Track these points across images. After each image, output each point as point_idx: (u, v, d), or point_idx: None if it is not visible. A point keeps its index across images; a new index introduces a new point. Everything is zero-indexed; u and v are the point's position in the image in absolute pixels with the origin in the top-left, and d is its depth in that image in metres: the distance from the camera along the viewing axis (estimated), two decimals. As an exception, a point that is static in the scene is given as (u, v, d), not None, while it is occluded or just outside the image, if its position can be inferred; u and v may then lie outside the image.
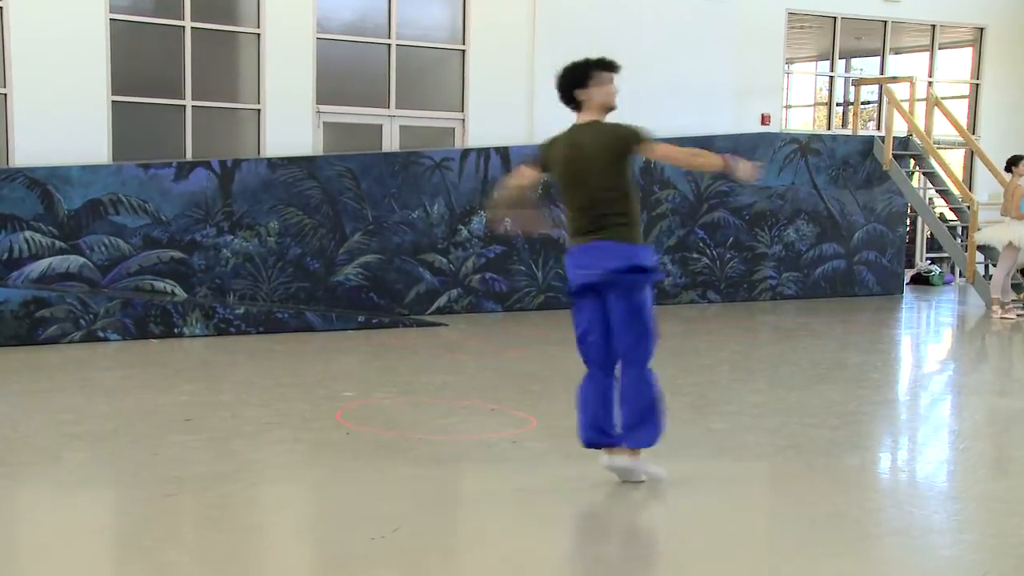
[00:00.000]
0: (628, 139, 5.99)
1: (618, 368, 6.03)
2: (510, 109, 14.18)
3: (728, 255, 15.12)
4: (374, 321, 12.09)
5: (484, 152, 13.47)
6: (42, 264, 10.83)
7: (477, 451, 6.90)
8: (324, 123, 13.24)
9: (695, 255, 14.88)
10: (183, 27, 12.32)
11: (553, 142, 6.14)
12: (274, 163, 12.14)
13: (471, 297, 13.40)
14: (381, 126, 13.65)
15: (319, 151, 13.00)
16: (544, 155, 6.16)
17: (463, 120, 14.08)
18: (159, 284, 11.39)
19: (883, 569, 4.89)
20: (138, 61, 12.23)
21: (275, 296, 12.06)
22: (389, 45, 13.61)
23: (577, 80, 6.04)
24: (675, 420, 7.71)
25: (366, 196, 12.55)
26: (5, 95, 11.43)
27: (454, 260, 13.25)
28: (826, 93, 18.26)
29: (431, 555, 4.91)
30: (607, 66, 6.10)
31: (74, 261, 11.01)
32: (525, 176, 6.33)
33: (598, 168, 5.88)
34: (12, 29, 11.38)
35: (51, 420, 7.55)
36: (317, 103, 13.16)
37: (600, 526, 5.32)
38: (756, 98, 15.95)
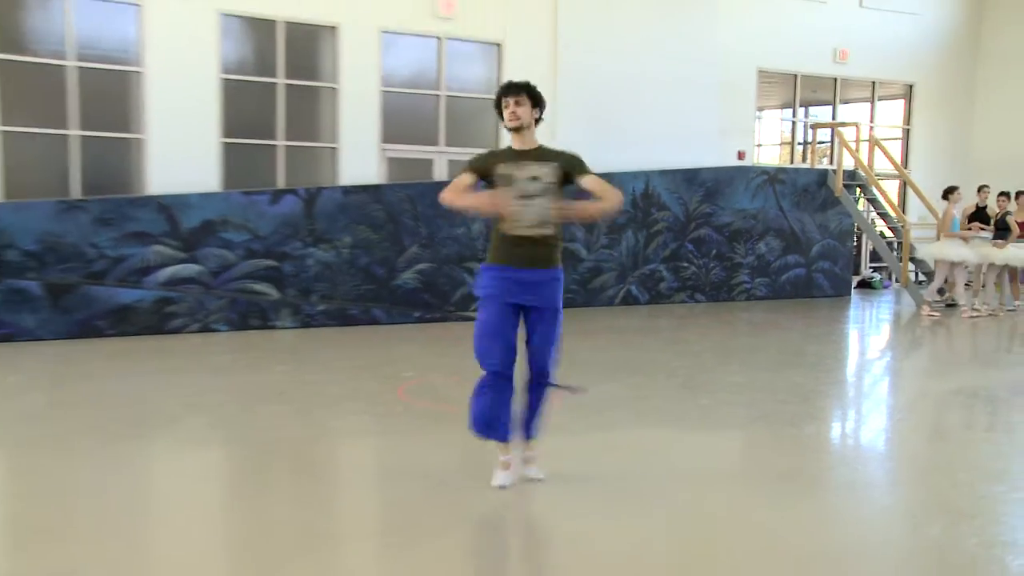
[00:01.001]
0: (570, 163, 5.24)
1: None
2: (536, 147, 14.25)
3: (712, 264, 15.17)
4: (427, 316, 12.20)
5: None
6: (168, 271, 10.96)
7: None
8: (387, 158, 13.36)
9: (685, 264, 14.93)
10: (276, 83, 12.48)
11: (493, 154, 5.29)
12: (347, 190, 12.25)
13: (505, 297, 13.47)
14: (432, 160, 13.76)
15: (383, 180, 13.11)
16: (480, 164, 5.14)
17: (498, 156, 14.17)
18: (257, 286, 11.50)
19: (834, 515, 4.96)
20: (242, 111, 12.37)
21: (348, 296, 12.17)
22: (439, 96, 13.73)
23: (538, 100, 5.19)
24: (669, 398, 7.82)
25: (421, 216, 12.65)
26: (143, 139, 11.63)
27: (491, 268, 13.34)
28: (789, 135, 18.27)
29: (472, 502, 5.01)
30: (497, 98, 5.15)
31: (192, 268, 11.13)
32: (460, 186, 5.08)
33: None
34: (148, 89, 11.58)
35: (176, 393, 7.68)
36: (382, 142, 13.28)
37: (610, 479, 5.39)
38: (733, 138, 16.05)
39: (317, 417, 7.01)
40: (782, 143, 18.91)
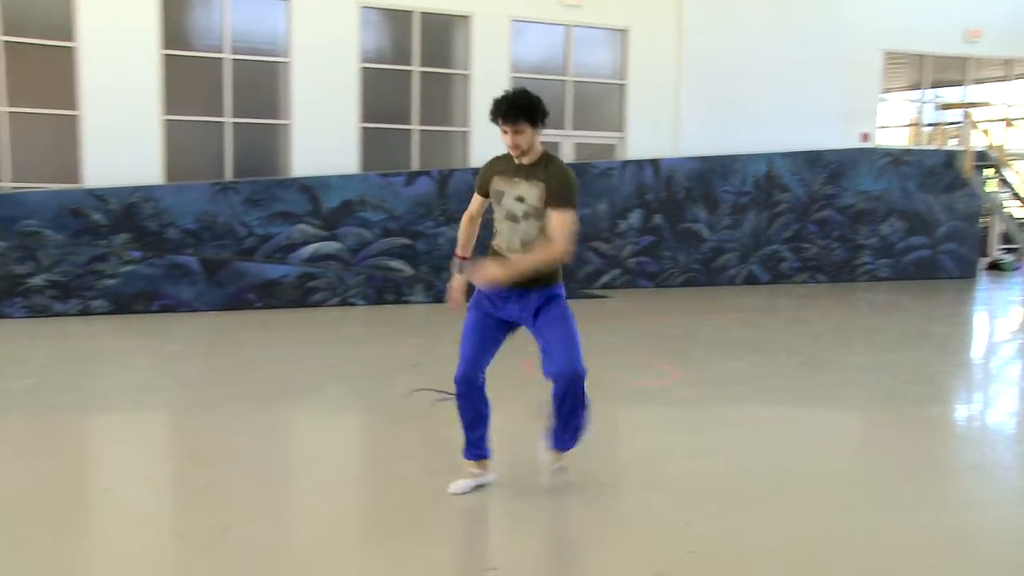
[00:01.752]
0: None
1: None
2: (659, 129, 14.07)
3: (834, 244, 14.73)
4: (554, 293, 12.19)
5: (639, 163, 13.43)
6: (311, 248, 11.25)
7: (633, 396, 6.93)
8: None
9: (807, 244, 14.54)
10: (412, 71, 12.62)
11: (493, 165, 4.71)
12: (478, 172, 12.30)
13: (628, 275, 13.39)
14: (559, 143, 13.71)
15: (513, 163, 13.12)
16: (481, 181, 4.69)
17: (623, 138, 14.03)
18: (393, 263, 11.69)
19: (960, 496, 4.76)
20: (379, 97, 12.56)
21: (479, 273, 12.26)
22: (565, 81, 13.66)
23: (536, 112, 4.42)
24: (790, 376, 7.64)
25: (548, 197, 12.65)
26: (288, 125, 11.94)
27: (615, 246, 13.26)
28: (916, 116, 17.50)
29: (601, 470, 4.98)
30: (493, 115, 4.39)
31: (332, 246, 11.39)
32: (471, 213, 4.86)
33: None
34: (294, 78, 11.88)
35: (317, 363, 7.87)
36: (512, 126, 13.32)
37: (734, 452, 5.30)
38: (857, 120, 15.47)
39: (446, 387, 7.08)
40: (908, 124, 18.13)
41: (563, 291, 4.62)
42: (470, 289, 4.66)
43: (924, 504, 4.54)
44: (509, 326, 4.66)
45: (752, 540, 4.00)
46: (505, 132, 4.32)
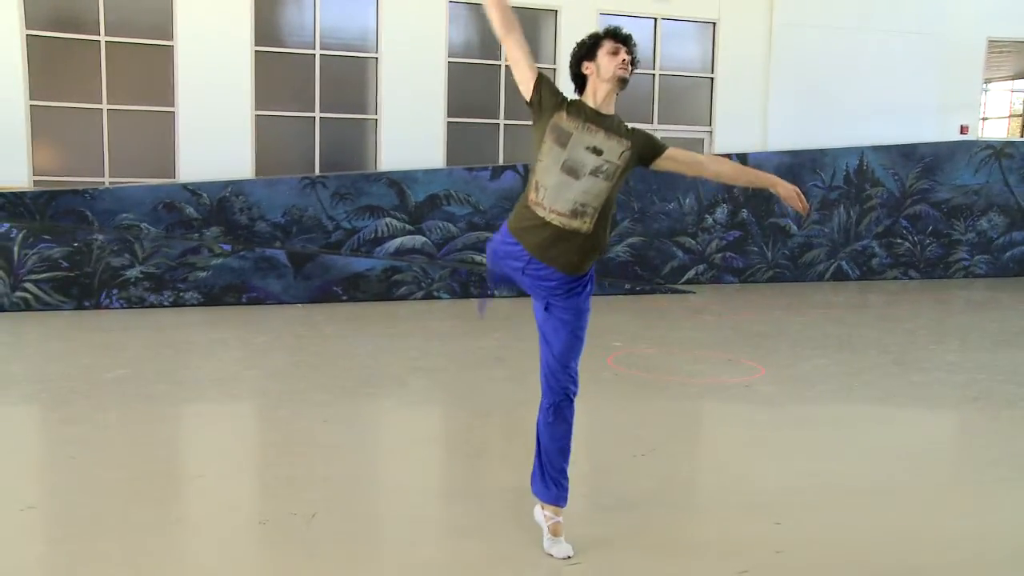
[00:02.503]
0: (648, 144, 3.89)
1: None
2: (747, 123, 13.87)
3: (928, 240, 14.32)
4: (638, 288, 12.11)
5: (727, 157, 13.24)
6: (396, 241, 11.38)
7: (716, 392, 6.84)
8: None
9: (899, 240, 14.17)
10: (499, 65, 12.64)
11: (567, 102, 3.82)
12: (564, 167, 12.30)
13: (713, 271, 13.23)
14: (646, 138, 13.62)
15: (598, 157, 13.07)
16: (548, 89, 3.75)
17: (711, 132, 13.86)
18: (478, 257, 11.75)
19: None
20: (466, 92, 12.63)
21: (563, 268, 12.25)
22: (654, 75, 13.54)
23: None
24: (880, 373, 7.45)
25: (633, 191, 12.56)
26: (376, 120, 12.09)
27: (701, 242, 13.11)
28: (1020, 107, 16.88)
29: (678, 473, 4.93)
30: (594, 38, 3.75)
31: (418, 240, 11.51)
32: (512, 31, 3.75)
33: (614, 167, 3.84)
34: (383, 73, 12.04)
35: (401, 356, 7.94)
36: (597, 120, 13.28)
37: (820, 452, 5.19)
38: (956, 112, 14.99)
39: (530, 381, 7.08)
40: (1011, 115, 17.50)
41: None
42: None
43: (1014, 513, 4.39)
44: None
45: (840, 544, 3.91)
46: (616, 53, 3.64)
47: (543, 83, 3.70)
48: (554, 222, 3.61)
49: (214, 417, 6.01)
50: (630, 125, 3.74)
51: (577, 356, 3.87)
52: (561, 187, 3.61)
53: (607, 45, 3.65)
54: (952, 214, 14.40)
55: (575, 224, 3.60)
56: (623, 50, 3.66)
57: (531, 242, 3.67)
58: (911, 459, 5.21)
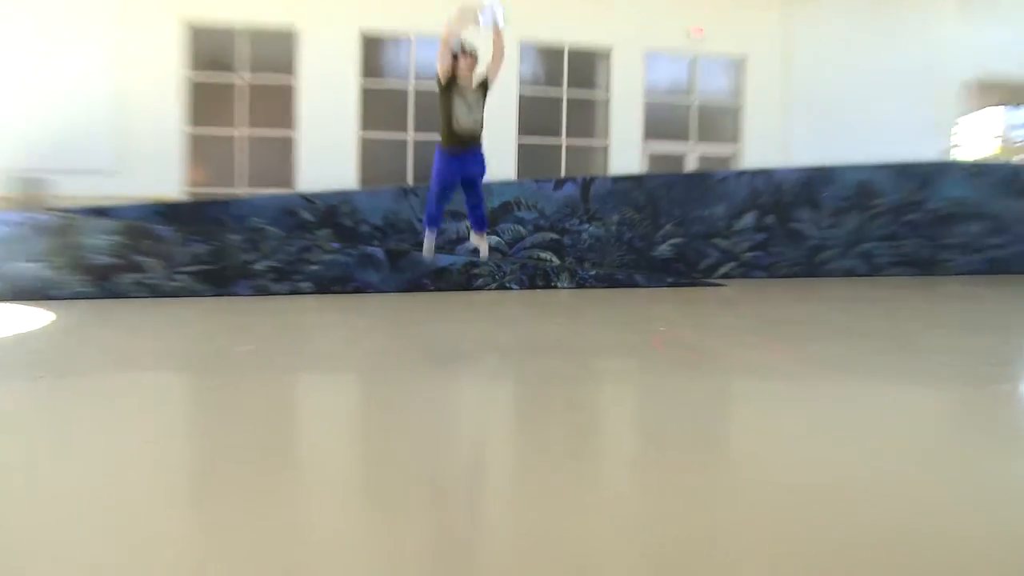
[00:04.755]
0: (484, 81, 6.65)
1: None
2: (772, 143, 13.37)
3: (923, 242, 13.64)
4: (678, 281, 11.74)
5: (753, 172, 12.78)
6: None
7: (750, 370, 6.48)
8: (648, 153, 12.94)
9: (899, 242, 13.53)
10: (561, 95, 12.36)
11: None
12: (616, 179, 11.97)
13: (743, 267, 12.77)
14: (685, 154, 13.19)
15: (644, 171, 12.73)
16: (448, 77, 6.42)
17: (739, 150, 13.39)
18: (543, 254, 11.51)
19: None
20: (534, 117, 12.38)
21: (614, 263, 11.93)
22: (691, 103, 13.11)
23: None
24: (891, 357, 6.98)
25: (675, 200, 12.17)
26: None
27: (732, 242, 12.66)
28: (1004, 131, 16.08)
29: (719, 442, 4.61)
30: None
31: (493, 239, 11.29)
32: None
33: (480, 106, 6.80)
34: (460, 98, 11.83)
35: (475, 338, 7.72)
36: (644, 140, 12.88)
37: (848, 429, 4.81)
38: (946, 136, 14.29)
39: (586, 361, 6.81)
40: (996, 138, 16.70)
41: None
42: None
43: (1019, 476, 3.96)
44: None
45: (866, 529, 3.55)
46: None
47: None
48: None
49: (322, 387, 5.85)
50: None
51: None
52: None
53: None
54: (942, 222, 13.72)
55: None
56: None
57: None
58: (952, 441, 4.80)
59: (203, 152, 11.28)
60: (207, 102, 11.17)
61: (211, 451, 4.20)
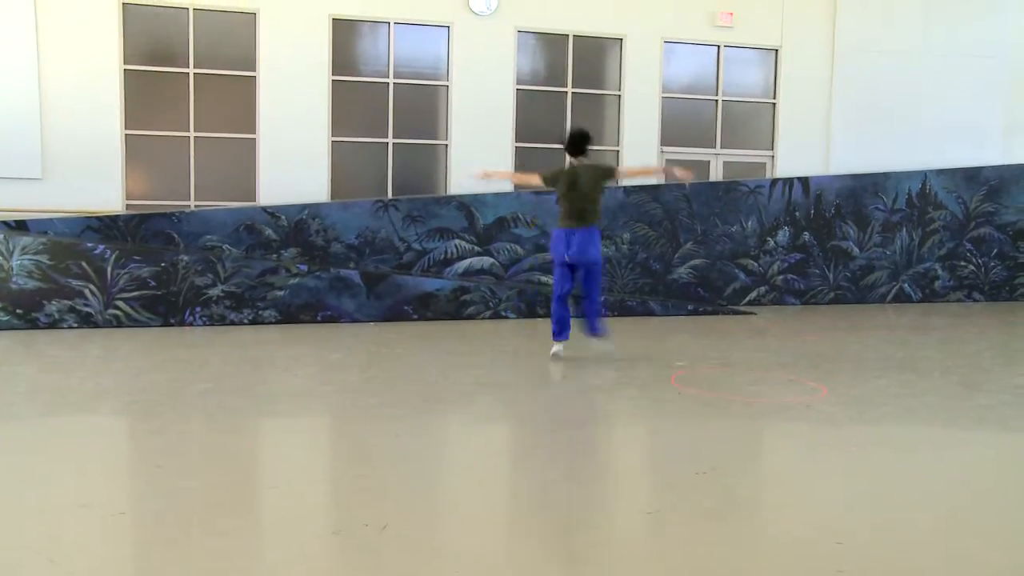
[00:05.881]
0: (605, 170, 8.55)
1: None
2: (810, 147, 13.69)
3: (992, 263, 13.96)
4: (700, 309, 11.99)
5: (788, 181, 13.07)
6: (465, 263, 11.43)
7: (778, 412, 6.72)
8: (666, 160, 13.25)
9: (963, 263, 13.83)
10: (566, 92, 12.67)
11: (561, 171, 8.43)
12: (628, 190, 12.25)
13: (775, 293, 13.05)
14: (709, 161, 13.51)
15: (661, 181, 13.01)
16: (552, 176, 8.45)
17: (772, 156, 13.71)
18: (543, 278, 11.75)
19: None
20: (533, 118, 12.67)
21: (626, 288, 12.19)
22: (716, 101, 13.45)
23: (588, 141, 8.40)
24: (943, 396, 7.25)
25: (696, 215, 12.47)
26: (447, 145, 12.19)
27: (763, 264, 12.95)
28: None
29: (740, 490, 4.85)
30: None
31: (486, 261, 11.54)
32: (534, 179, 8.69)
33: (588, 187, 8.23)
34: (454, 100, 12.14)
35: (469, 373, 7.94)
36: (661, 144, 13.19)
37: (882, 474, 5.05)
38: (1021, 135, 14.62)
39: (595, 399, 7.05)
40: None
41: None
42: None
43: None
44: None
45: (903, 567, 3.80)
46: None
47: (548, 179, 8.50)
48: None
49: (289, 430, 6.08)
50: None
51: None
52: None
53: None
54: (1018, 237, 14.03)
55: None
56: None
57: None
58: (976, 484, 5.05)
59: (145, 158, 11.51)
60: (150, 99, 11.42)
61: (146, 515, 4.44)
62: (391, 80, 11.99)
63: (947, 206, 13.73)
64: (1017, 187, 14.02)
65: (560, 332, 8.48)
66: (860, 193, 13.32)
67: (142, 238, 10.62)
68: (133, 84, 11.37)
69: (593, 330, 8.55)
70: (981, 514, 4.48)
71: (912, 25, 14.01)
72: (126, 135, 11.35)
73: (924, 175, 13.65)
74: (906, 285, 13.69)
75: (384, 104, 12.07)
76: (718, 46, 13.41)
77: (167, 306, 10.14)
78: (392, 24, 12.01)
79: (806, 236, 13.11)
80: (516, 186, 8.72)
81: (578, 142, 8.35)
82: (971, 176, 13.82)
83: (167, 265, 10.12)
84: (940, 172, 13.72)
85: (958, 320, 11.97)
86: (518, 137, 12.45)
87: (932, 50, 14.06)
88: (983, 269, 13.99)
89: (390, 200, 11.41)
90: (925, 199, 13.64)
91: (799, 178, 13.11)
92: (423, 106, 12.39)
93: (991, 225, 13.95)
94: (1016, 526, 4.34)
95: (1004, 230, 13.98)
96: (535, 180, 8.65)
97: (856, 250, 13.40)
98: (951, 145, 14.18)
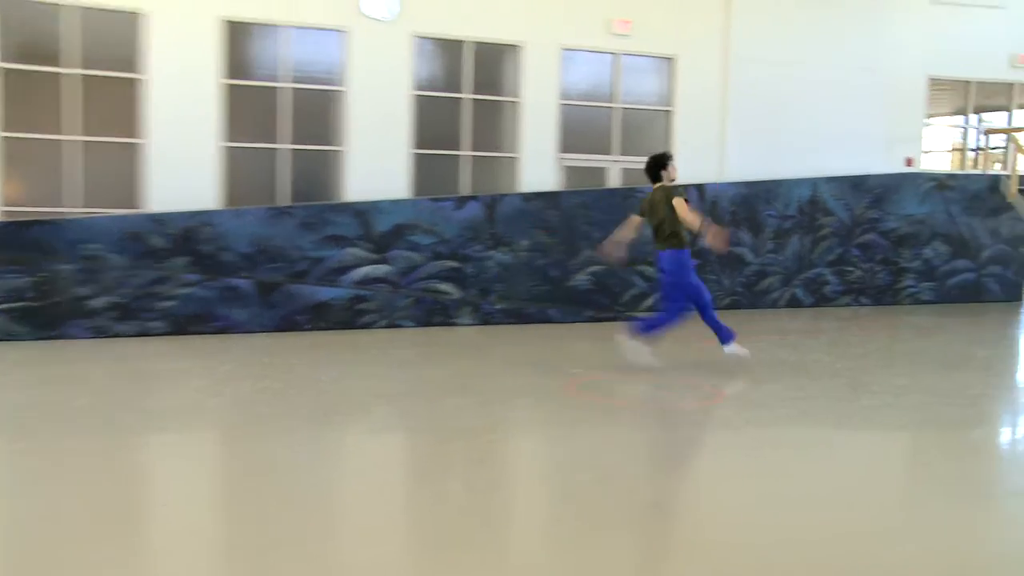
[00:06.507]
0: (669, 191, 8.51)
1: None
2: (705, 155, 13.95)
3: (877, 268, 14.47)
4: (599, 316, 12.09)
5: (685, 188, 13.29)
6: (362, 271, 11.27)
7: (677, 417, 6.81)
8: (564, 166, 13.33)
9: (850, 268, 14.30)
10: (463, 98, 12.65)
11: (645, 198, 8.79)
12: (526, 197, 12.29)
13: (673, 298, 13.24)
14: (606, 168, 13.64)
15: (560, 188, 13.09)
16: (641, 208, 8.76)
17: (668, 164, 13.94)
18: (441, 286, 11.69)
19: (1004, 522, 4.58)
20: (431, 124, 12.60)
21: (525, 296, 12.22)
22: (612, 108, 13.61)
23: (659, 166, 8.61)
24: (832, 398, 7.46)
25: (594, 221, 12.57)
26: (342, 151, 12.02)
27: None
28: (960, 141, 17.15)
29: (640, 496, 4.88)
30: (671, 157, 8.71)
31: (383, 269, 11.41)
32: (633, 224, 8.94)
33: (659, 210, 8.47)
34: (349, 105, 11.97)
35: (364, 383, 7.87)
36: (559, 151, 13.27)
37: (776, 474, 5.16)
38: (902, 146, 15.22)
39: (493, 409, 7.03)
40: (952, 149, 17.79)
41: None
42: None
43: (968, 530, 4.38)
44: None
45: (801, 565, 3.87)
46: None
47: (640, 211, 8.82)
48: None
49: (177, 446, 5.88)
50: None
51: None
52: None
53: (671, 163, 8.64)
54: (899, 243, 14.58)
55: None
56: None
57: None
58: (865, 481, 5.20)
59: (22, 161, 11.06)
60: (27, 99, 10.99)
61: (13, 547, 4.24)
62: (286, 85, 11.77)
63: (836, 212, 14.17)
64: (898, 195, 14.57)
65: (725, 335, 8.65)
66: (754, 200, 13.64)
67: (18, 246, 10.18)
68: (12, 84, 10.90)
69: (639, 330, 8.61)
70: (872, 512, 4.60)
71: (799, 38, 14.43)
72: (3, 137, 10.87)
73: (814, 183, 14.06)
74: (798, 290, 14.06)
75: (279, 109, 11.84)
76: (615, 54, 13.57)
77: (46, 318, 9.73)
78: (286, 28, 11.80)
79: (702, 242, 13.34)
80: (626, 239, 8.64)
81: (650, 168, 8.65)
82: (857, 184, 14.30)
83: (45, 275, 9.72)
84: (829, 180, 14.15)
85: (846, 324, 12.36)
86: (416, 144, 12.36)
87: (818, 63, 14.51)
88: (869, 274, 14.48)
89: (284, 207, 11.20)
90: (815, 206, 14.05)
91: (695, 185, 13.35)
92: (318, 111, 12.19)
93: (876, 232, 14.45)
94: (904, 522, 4.48)
95: (887, 236, 14.51)
96: (636, 220, 8.88)
97: (751, 256, 13.71)
98: (838, 154, 14.64)
